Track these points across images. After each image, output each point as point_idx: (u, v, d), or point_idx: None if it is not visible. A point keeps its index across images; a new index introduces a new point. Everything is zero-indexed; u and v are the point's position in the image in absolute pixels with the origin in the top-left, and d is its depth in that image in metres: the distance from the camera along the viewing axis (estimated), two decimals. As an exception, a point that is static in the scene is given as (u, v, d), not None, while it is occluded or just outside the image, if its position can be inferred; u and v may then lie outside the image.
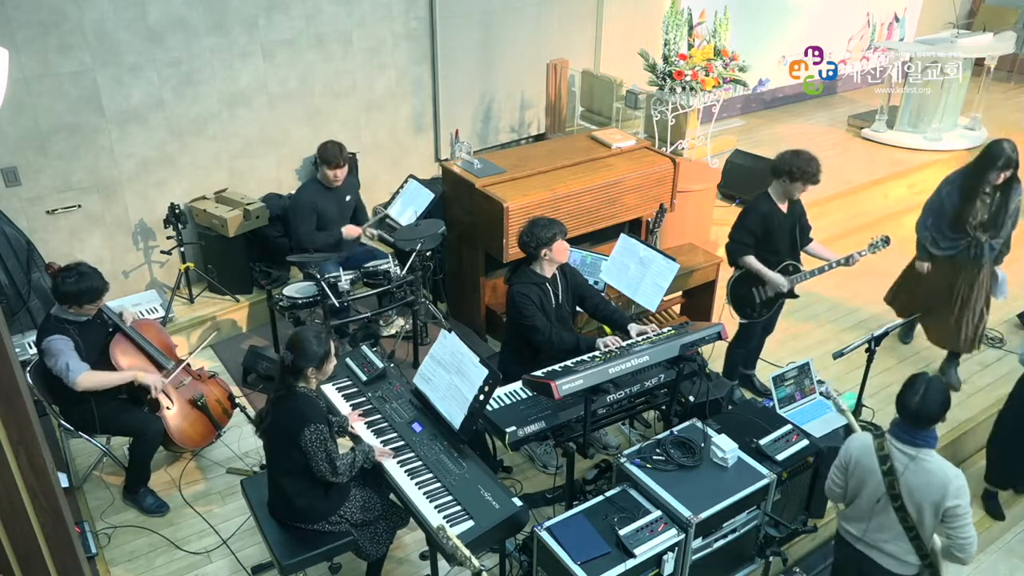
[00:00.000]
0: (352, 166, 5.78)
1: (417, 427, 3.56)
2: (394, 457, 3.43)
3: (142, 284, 5.72)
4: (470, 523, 3.08)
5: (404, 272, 5.04)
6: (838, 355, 4.24)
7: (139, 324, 4.24)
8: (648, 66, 6.39)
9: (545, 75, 7.16)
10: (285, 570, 3.28)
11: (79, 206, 5.28)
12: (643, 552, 3.12)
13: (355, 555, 3.49)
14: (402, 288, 5.11)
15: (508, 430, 3.44)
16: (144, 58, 5.17)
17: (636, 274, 4.58)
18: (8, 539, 1.92)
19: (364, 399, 3.80)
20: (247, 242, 5.64)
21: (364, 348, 4.07)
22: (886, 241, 4.54)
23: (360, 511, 3.39)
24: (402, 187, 6.17)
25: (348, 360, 4.02)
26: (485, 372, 3.34)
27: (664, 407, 3.98)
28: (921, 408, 2.95)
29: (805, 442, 3.73)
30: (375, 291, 5.07)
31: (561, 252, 4.07)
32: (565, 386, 3.34)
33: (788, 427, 3.80)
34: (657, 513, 3.27)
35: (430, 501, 3.19)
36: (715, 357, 4.89)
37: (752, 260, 4.48)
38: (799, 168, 4.30)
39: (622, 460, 3.53)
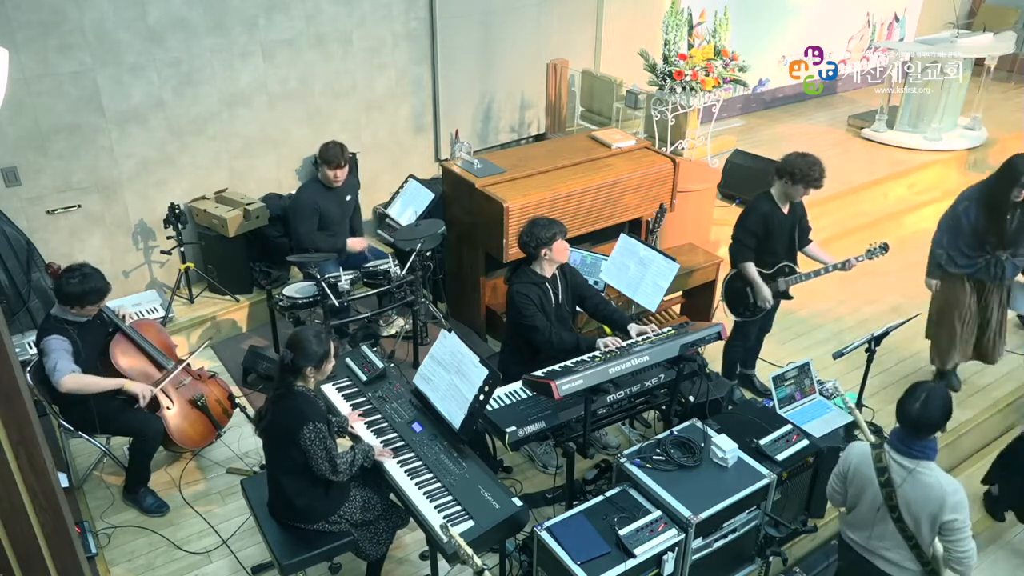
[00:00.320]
0: (352, 166, 5.78)
1: (417, 427, 3.56)
2: (394, 457, 3.43)
3: (142, 284, 5.72)
4: (470, 523, 3.08)
5: (404, 272, 5.04)
6: (838, 355, 4.24)
7: (139, 324, 4.24)
8: (648, 66, 6.39)
9: (545, 75, 7.16)
10: (285, 570, 3.28)
11: (79, 206, 5.28)
12: (643, 552, 3.12)
13: (355, 555, 3.49)
14: (402, 288, 5.11)
15: (508, 430, 3.44)
16: (144, 58, 5.17)
17: (636, 274, 4.58)
18: (8, 539, 1.92)
19: (364, 399, 3.80)
20: (247, 242, 5.64)
21: (364, 348, 4.07)
22: (884, 248, 4.53)
23: (360, 511, 3.39)
24: (402, 187, 6.18)
25: (348, 360, 4.02)
26: (485, 372, 3.34)
27: (664, 407, 3.98)
28: (922, 415, 2.92)
29: (805, 442, 3.73)
30: (375, 291, 5.08)
31: (561, 252, 4.07)
32: (565, 386, 3.34)
33: (788, 427, 3.80)
34: (657, 513, 3.27)
35: (430, 501, 3.19)
36: (715, 357, 4.89)
37: (750, 268, 4.49)
38: (801, 171, 4.29)
39: (622, 460, 3.53)
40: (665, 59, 6.29)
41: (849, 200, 7.24)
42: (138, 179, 5.43)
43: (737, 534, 3.51)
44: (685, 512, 3.24)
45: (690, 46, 6.35)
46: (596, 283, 4.72)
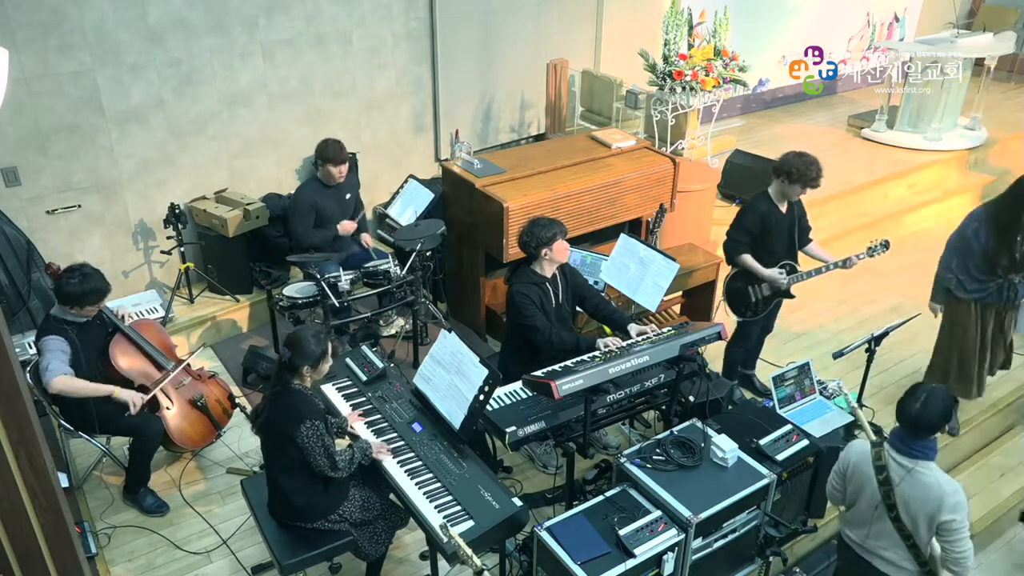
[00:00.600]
0: (352, 165, 5.78)
1: (417, 427, 3.56)
2: (394, 457, 3.43)
3: (142, 284, 5.72)
4: (470, 523, 3.08)
5: (404, 272, 5.04)
6: (838, 355, 4.24)
7: (139, 324, 4.24)
8: (648, 66, 6.39)
9: (545, 75, 7.15)
10: (285, 570, 3.28)
11: (79, 206, 5.27)
12: (643, 552, 3.12)
13: (354, 555, 3.49)
14: (402, 288, 5.11)
15: (508, 430, 3.44)
16: (144, 58, 5.17)
17: (636, 274, 4.58)
18: (8, 539, 1.92)
19: (364, 399, 3.80)
20: (247, 242, 5.64)
21: (364, 348, 4.07)
22: (885, 246, 4.52)
23: (359, 510, 3.39)
24: (402, 187, 6.18)
25: (348, 360, 4.02)
26: (485, 372, 3.34)
27: (664, 407, 3.98)
28: (921, 416, 2.93)
29: (805, 442, 3.73)
30: (375, 291, 5.08)
31: (561, 252, 4.07)
32: (565, 386, 3.34)
33: (788, 427, 3.80)
34: (657, 513, 3.27)
35: (430, 501, 3.19)
36: (714, 357, 4.89)
37: (748, 259, 4.48)
38: (798, 170, 4.30)
39: (622, 460, 3.53)
40: (665, 59, 6.29)
41: (849, 200, 7.24)
42: (138, 179, 5.43)
43: (737, 534, 3.51)
44: (685, 512, 3.25)
45: (690, 46, 6.35)
46: (596, 283, 4.72)
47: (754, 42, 7.82)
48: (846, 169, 7.53)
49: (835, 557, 3.65)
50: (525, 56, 6.96)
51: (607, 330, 4.52)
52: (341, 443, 3.50)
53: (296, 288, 5.01)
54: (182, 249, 5.47)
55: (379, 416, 3.68)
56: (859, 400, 4.45)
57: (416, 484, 3.28)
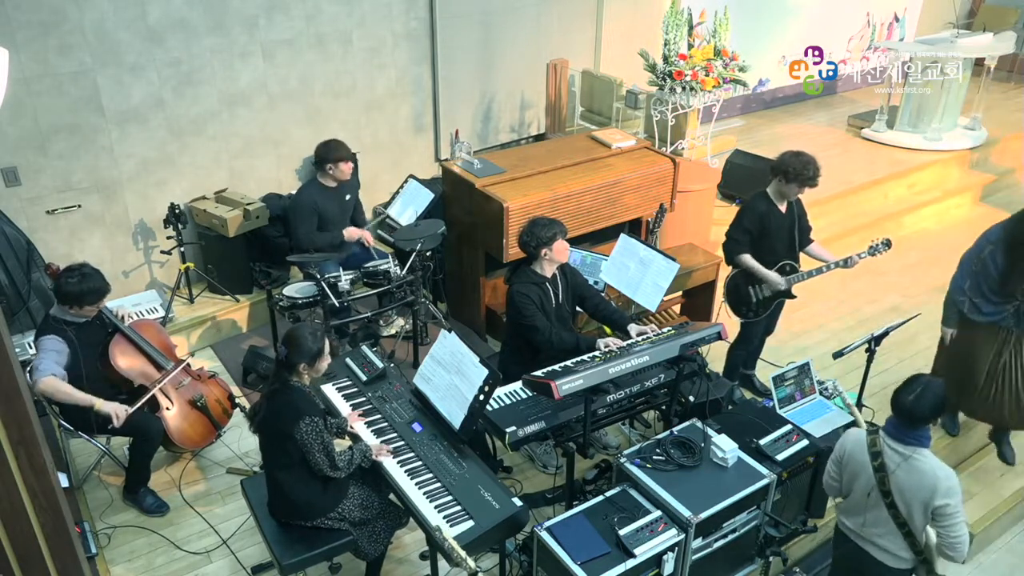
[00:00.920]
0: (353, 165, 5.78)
1: (417, 427, 3.56)
2: (394, 457, 3.43)
3: (142, 284, 5.72)
4: (470, 523, 3.08)
5: (404, 272, 5.04)
6: (838, 355, 4.24)
7: (138, 324, 4.24)
8: (648, 66, 6.39)
9: (545, 75, 7.15)
10: (285, 570, 3.28)
11: (79, 206, 5.27)
12: (643, 552, 3.12)
13: (354, 555, 3.49)
14: (402, 288, 5.11)
15: (508, 430, 3.44)
16: (144, 58, 5.17)
17: (636, 274, 4.58)
18: (8, 539, 1.92)
19: (364, 399, 3.80)
20: (247, 242, 5.64)
21: (364, 348, 4.07)
22: (887, 244, 4.52)
23: (359, 509, 3.39)
24: (402, 187, 6.18)
25: (348, 360, 4.02)
26: (485, 372, 3.34)
27: (664, 407, 3.98)
28: (914, 407, 2.98)
29: (805, 442, 3.74)
30: (375, 291, 5.07)
31: (561, 252, 4.07)
32: (565, 386, 3.34)
33: (788, 427, 3.80)
34: (657, 513, 3.27)
35: (430, 501, 3.19)
36: (715, 357, 4.89)
37: (748, 259, 4.47)
38: (795, 170, 4.30)
39: (622, 460, 3.53)
40: (665, 59, 6.29)
41: (849, 200, 7.25)
42: (138, 179, 5.43)
43: (737, 534, 3.51)
44: (685, 512, 3.25)
45: (690, 46, 6.35)
46: (596, 283, 4.72)
47: (754, 42, 7.82)
48: (846, 169, 7.53)
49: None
50: (525, 56, 6.96)
51: (607, 330, 4.52)
52: (341, 443, 3.50)
53: (296, 288, 5.01)
54: (182, 249, 5.47)
55: (379, 416, 3.68)
56: (859, 400, 4.44)
57: (416, 484, 3.28)
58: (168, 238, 5.50)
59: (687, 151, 6.70)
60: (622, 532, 3.15)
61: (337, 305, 4.75)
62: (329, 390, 3.87)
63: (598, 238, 5.46)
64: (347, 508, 3.37)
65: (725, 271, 4.82)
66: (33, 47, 4.79)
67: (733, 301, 4.67)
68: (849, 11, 9.07)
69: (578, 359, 3.82)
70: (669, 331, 3.95)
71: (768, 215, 4.44)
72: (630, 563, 3.09)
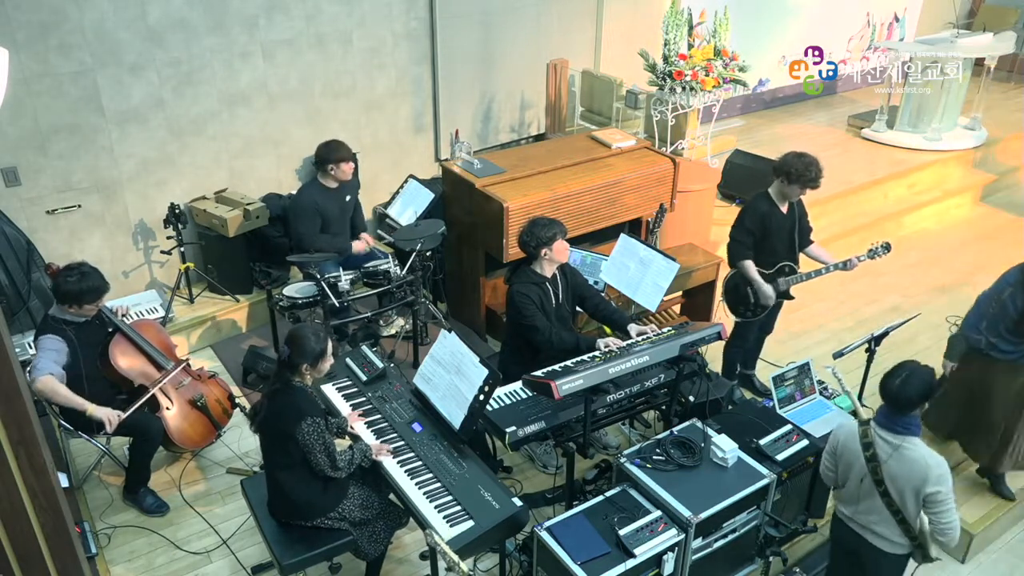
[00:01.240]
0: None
1: (417, 427, 3.56)
2: (394, 457, 3.43)
3: (142, 284, 5.72)
4: (470, 523, 3.08)
5: (404, 272, 5.04)
6: (838, 355, 4.24)
7: (138, 324, 4.24)
8: (648, 66, 6.39)
9: (545, 75, 7.15)
10: (285, 570, 3.28)
11: (79, 206, 5.27)
12: (643, 552, 3.12)
13: (354, 555, 3.49)
14: (402, 288, 5.11)
15: (508, 430, 3.44)
16: (144, 58, 5.17)
17: (636, 274, 4.59)
18: (8, 539, 1.92)
19: (364, 399, 3.80)
20: (247, 242, 5.64)
21: (364, 348, 4.07)
22: (887, 248, 4.52)
23: (359, 509, 3.39)
24: (402, 187, 6.18)
25: (348, 360, 4.02)
26: (485, 372, 3.34)
27: (664, 407, 3.98)
28: (900, 392, 3.04)
29: (805, 442, 3.74)
30: (375, 291, 5.08)
31: (561, 252, 4.07)
32: (565, 386, 3.34)
33: (788, 427, 3.81)
34: (657, 513, 3.27)
35: (430, 501, 3.19)
36: (714, 357, 4.89)
37: (749, 266, 4.49)
38: (797, 171, 4.30)
39: (622, 460, 3.53)
40: (665, 59, 6.29)
41: (849, 200, 7.24)
42: (138, 179, 5.43)
43: (737, 534, 3.51)
44: (685, 512, 3.25)
45: (690, 46, 6.35)
46: (596, 283, 4.72)
47: (754, 42, 7.82)
48: (846, 169, 7.53)
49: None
50: (525, 56, 6.96)
51: (607, 330, 4.52)
52: (341, 443, 3.50)
53: (296, 288, 5.01)
54: (182, 249, 5.47)
55: (379, 416, 3.68)
56: (859, 400, 4.44)
57: (416, 484, 3.28)
58: (168, 238, 5.50)
59: (687, 151, 6.70)
60: (622, 532, 3.15)
61: (337, 305, 4.75)
62: (329, 390, 3.87)
63: (598, 238, 5.46)
64: (347, 508, 3.37)
65: (725, 271, 4.82)
66: (33, 47, 4.79)
67: (731, 300, 4.68)
68: (849, 11, 9.07)
69: (578, 359, 3.82)
70: (669, 331, 3.95)
71: (769, 216, 4.44)
72: (630, 563, 3.09)
